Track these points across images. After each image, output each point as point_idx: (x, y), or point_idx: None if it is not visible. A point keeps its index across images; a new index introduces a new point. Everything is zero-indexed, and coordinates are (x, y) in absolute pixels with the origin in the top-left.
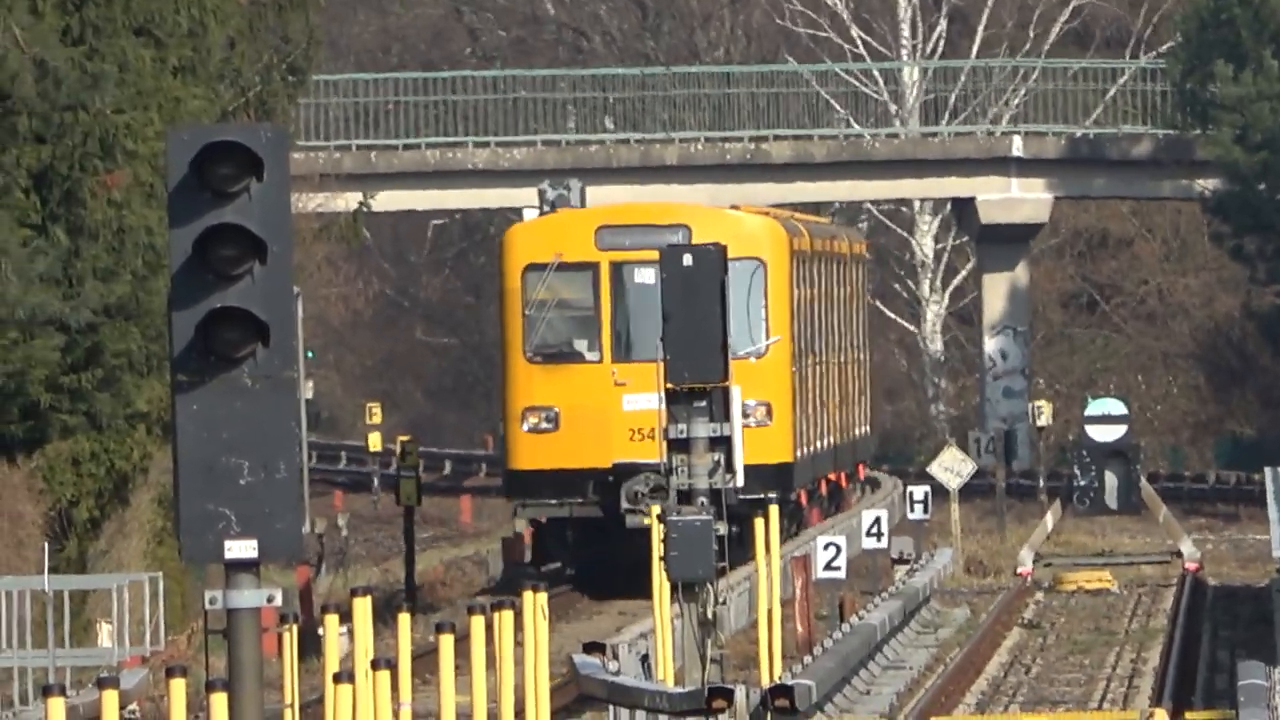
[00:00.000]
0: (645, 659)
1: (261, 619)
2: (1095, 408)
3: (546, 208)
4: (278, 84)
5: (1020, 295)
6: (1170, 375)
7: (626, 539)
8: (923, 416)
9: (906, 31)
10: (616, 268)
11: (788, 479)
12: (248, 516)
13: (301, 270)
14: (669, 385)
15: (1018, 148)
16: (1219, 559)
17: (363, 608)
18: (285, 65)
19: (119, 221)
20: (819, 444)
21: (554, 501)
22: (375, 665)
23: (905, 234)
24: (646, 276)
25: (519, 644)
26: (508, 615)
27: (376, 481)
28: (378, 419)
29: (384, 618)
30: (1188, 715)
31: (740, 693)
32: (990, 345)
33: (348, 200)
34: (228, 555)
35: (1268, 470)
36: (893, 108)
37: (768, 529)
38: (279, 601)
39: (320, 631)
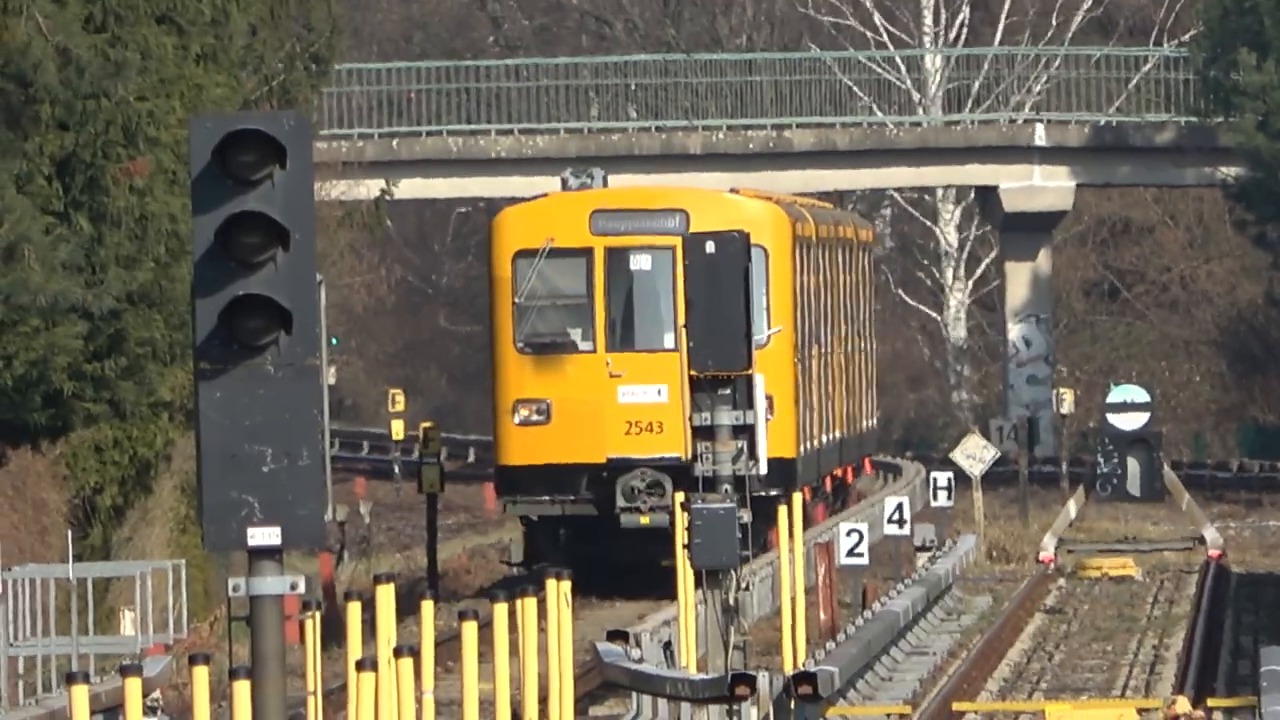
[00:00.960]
0: (668, 646)
1: (284, 606)
2: (1118, 395)
3: None
4: (300, 72)
5: (1043, 283)
6: (1193, 362)
7: (622, 539)
8: (945, 404)
9: (929, 19)
10: (611, 253)
11: (790, 475)
12: (270, 504)
13: (324, 258)
14: (692, 373)
15: (1040, 136)
16: (1242, 546)
17: (385, 595)
18: (308, 53)
19: (141, 209)
20: (823, 438)
21: (545, 498)
22: (398, 653)
23: (928, 222)
24: (643, 262)
25: (542, 631)
26: (531, 603)
27: (399, 469)
28: (400, 406)
29: (407, 605)
30: (1210, 702)
31: (763, 679)
32: (1013, 333)
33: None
34: (250, 543)
35: None
36: (916, 95)
37: (790, 516)
38: (301, 589)
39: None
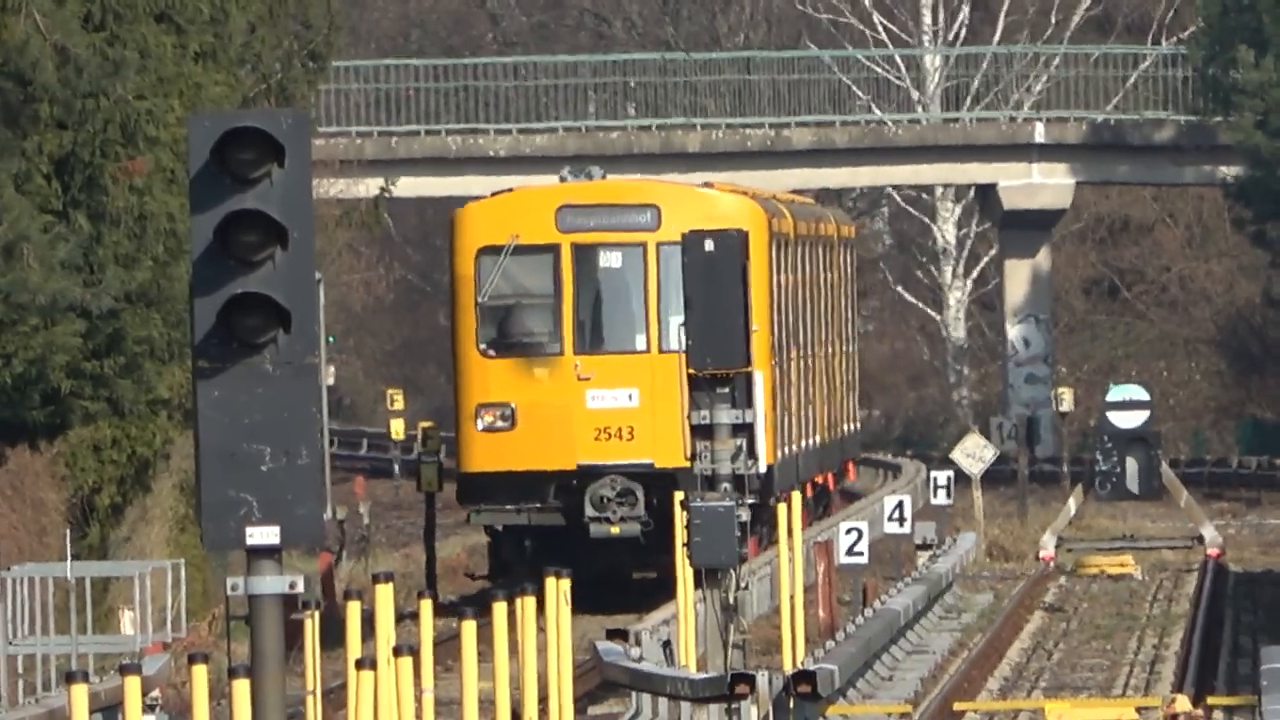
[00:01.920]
0: (667, 645)
1: (283, 605)
2: (1117, 393)
3: None
4: (298, 70)
5: (1042, 281)
6: (1192, 361)
7: (591, 549)
8: (945, 403)
9: (928, 17)
10: (580, 250)
11: (767, 484)
12: (269, 503)
13: (323, 256)
14: (691, 371)
15: (1040, 134)
16: (1241, 544)
17: (384, 594)
18: (306, 51)
19: (140, 208)
20: (802, 444)
21: (511, 507)
22: (397, 652)
23: (927, 220)
24: (613, 260)
25: (541, 630)
26: (530, 601)
27: (398, 468)
28: (399, 405)
29: (407, 603)
30: (1210, 700)
31: (763, 678)
32: (1013, 332)
33: (369, 186)
34: (249, 542)
35: None
36: (914, 94)
37: (790, 514)
38: (301, 588)
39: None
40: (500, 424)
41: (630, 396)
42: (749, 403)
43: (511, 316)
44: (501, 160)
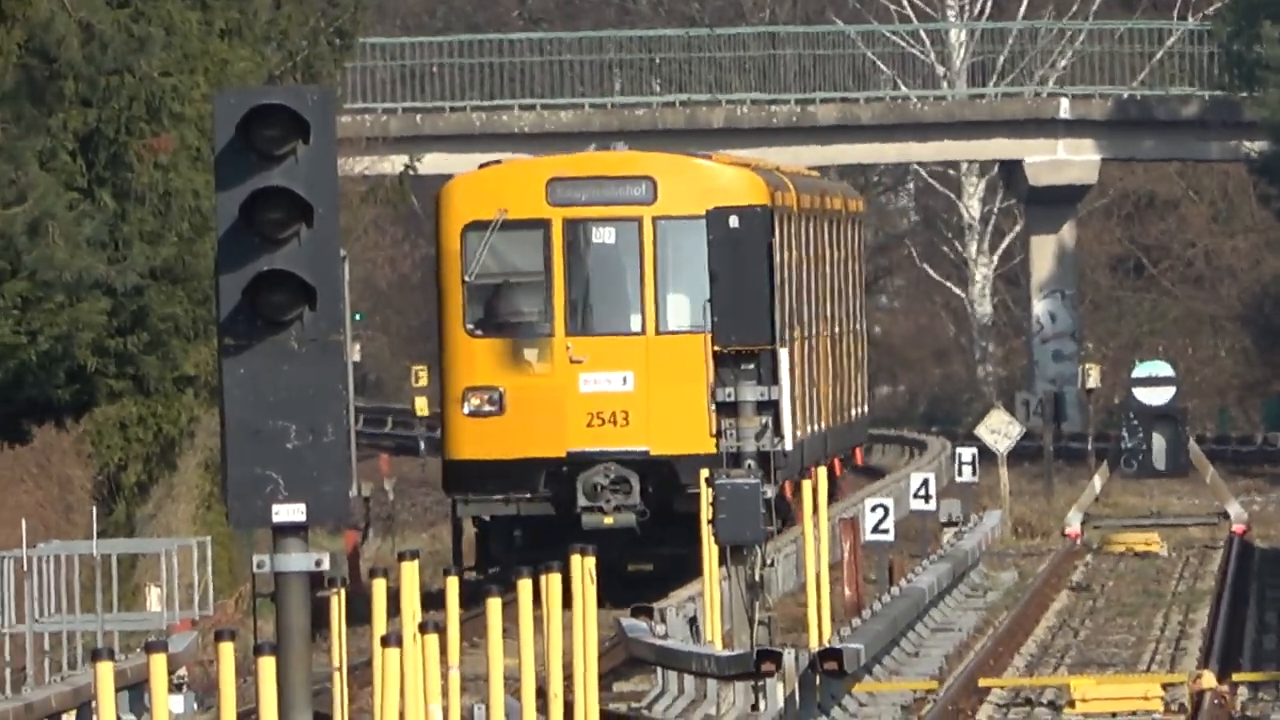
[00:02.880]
0: (693, 622)
1: (309, 583)
2: (1143, 370)
3: None
4: (324, 47)
5: (1068, 258)
6: (1217, 337)
7: (583, 541)
8: (970, 379)
9: None
10: (571, 225)
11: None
12: (295, 480)
13: (348, 233)
14: (716, 348)
15: (1065, 109)
16: (1266, 520)
17: (410, 571)
18: (332, 28)
19: (165, 185)
20: (807, 429)
21: (499, 497)
22: (423, 629)
23: (953, 196)
24: (606, 236)
25: (567, 607)
26: (555, 578)
27: (423, 445)
28: (424, 382)
29: (432, 582)
30: (1235, 677)
31: (789, 655)
32: (1038, 308)
33: (394, 163)
34: (275, 519)
35: None
36: (940, 70)
37: (816, 491)
38: (326, 565)
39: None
40: (488, 408)
41: (625, 380)
42: (774, 379)
43: (500, 295)
44: (526, 136)
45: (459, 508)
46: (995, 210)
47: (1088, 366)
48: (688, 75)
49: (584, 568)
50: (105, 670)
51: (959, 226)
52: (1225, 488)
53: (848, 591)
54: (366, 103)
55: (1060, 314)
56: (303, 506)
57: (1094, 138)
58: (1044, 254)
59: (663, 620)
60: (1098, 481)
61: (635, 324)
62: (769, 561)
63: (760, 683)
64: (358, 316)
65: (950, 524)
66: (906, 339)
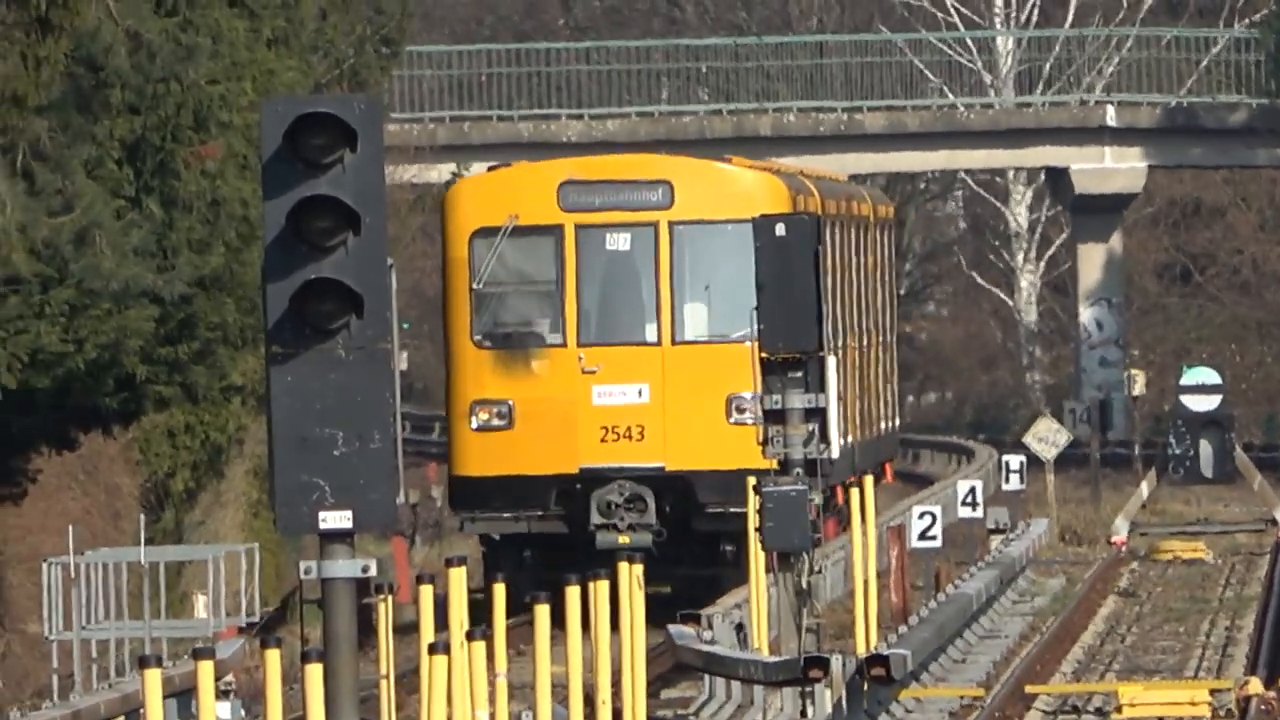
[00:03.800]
0: (740, 628)
1: (356, 590)
2: (1190, 377)
3: None
4: (371, 55)
5: (1115, 265)
6: (1264, 344)
7: (596, 561)
8: (1018, 386)
9: (1000, 0)
10: (584, 231)
11: None
12: (342, 487)
13: (396, 242)
14: (764, 355)
15: (1112, 117)
16: None
17: (457, 578)
18: (378, 36)
19: (212, 193)
20: (846, 439)
21: (508, 515)
22: (470, 636)
23: (999, 204)
24: (621, 242)
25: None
26: (603, 585)
27: None
28: None
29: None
30: None
31: (836, 662)
32: (1085, 315)
33: (441, 171)
34: (322, 526)
35: None
36: (987, 77)
37: (863, 498)
38: (374, 572)
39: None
40: (497, 422)
41: (640, 393)
42: (821, 387)
43: (509, 304)
44: (573, 145)
45: (466, 526)
46: (1042, 218)
47: (1134, 373)
48: (735, 84)
49: (631, 575)
50: (153, 677)
51: (1006, 234)
52: (1273, 494)
53: (895, 598)
54: (414, 111)
55: (1107, 321)
56: (350, 513)
57: (1140, 145)
58: (1091, 262)
59: (710, 626)
60: (1144, 488)
61: (651, 334)
62: (817, 568)
63: (808, 689)
64: (405, 325)
65: (997, 531)
66: (955, 346)
